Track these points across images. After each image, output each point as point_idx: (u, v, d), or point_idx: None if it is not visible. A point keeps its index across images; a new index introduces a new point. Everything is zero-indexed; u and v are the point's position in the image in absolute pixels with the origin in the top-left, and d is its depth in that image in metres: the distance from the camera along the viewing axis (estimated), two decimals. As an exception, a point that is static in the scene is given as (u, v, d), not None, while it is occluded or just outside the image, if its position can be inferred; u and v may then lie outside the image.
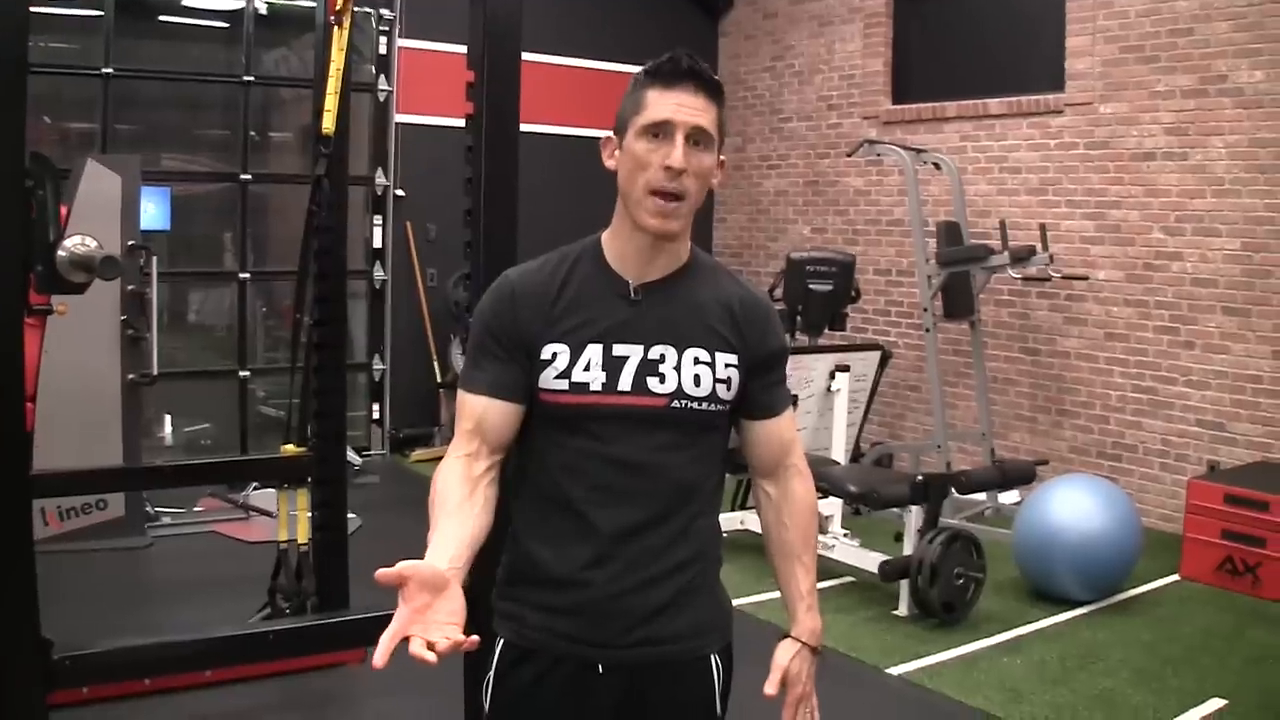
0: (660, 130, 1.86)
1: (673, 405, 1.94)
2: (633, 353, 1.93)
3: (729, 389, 1.98)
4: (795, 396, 6.36)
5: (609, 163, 1.96)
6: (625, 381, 1.92)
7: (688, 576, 2.00)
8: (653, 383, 1.93)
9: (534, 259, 2.05)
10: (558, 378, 1.92)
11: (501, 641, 2.01)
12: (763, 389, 2.05)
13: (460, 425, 1.96)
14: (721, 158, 1.95)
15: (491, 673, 2.01)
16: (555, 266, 1.99)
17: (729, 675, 2.10)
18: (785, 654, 2.06)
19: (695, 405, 1.95)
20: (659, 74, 1.88)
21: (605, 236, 2.00)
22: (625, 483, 1.93)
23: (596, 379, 1.91)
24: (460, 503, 1.85)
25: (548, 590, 1.97)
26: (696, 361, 1.95)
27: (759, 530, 6.20)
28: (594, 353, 1.92)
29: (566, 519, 1.95)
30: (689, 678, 2.03)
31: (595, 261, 1.98)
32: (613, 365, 1.92)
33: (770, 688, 2.03)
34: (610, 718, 1.98)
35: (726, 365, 1.97)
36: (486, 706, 2.04)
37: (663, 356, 1.94)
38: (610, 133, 1.96)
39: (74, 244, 3.95)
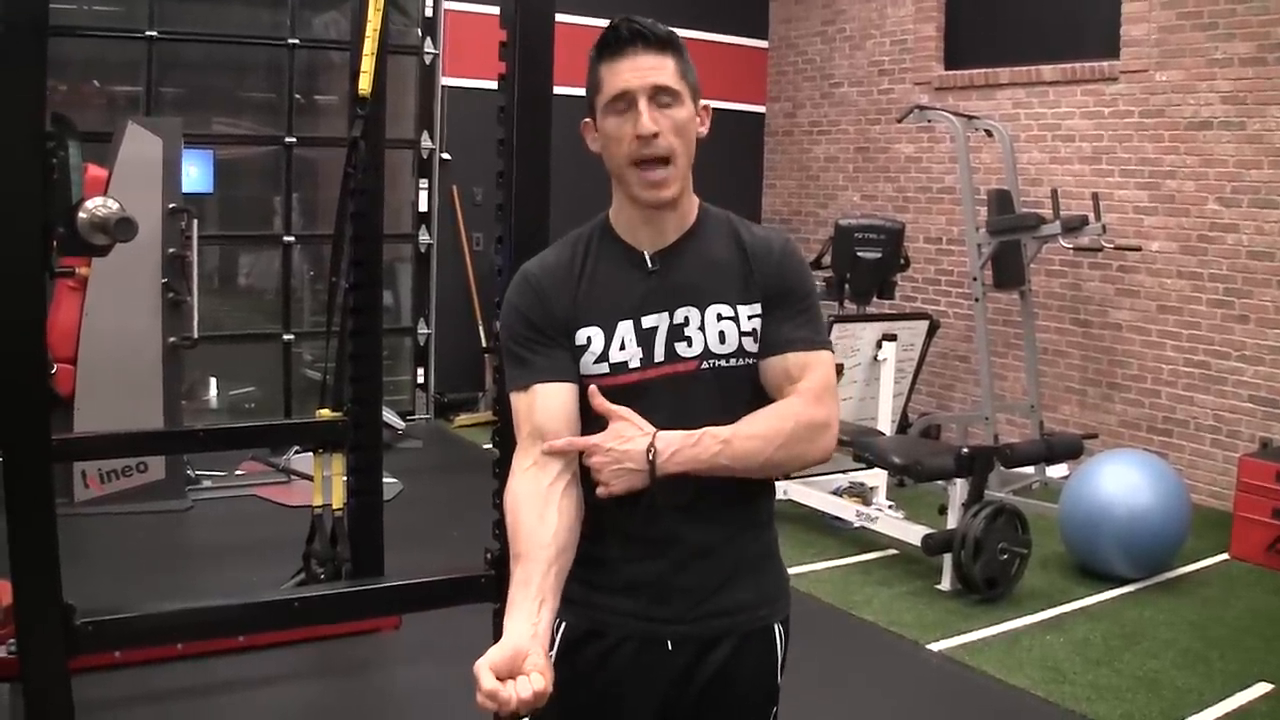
0: (623, 101, 1.84)
1: (702, 367, 1.90)
2: (660, 321, 1.90)
3: (755, 340, 1.94)
4: (840, 365, 6.28)
5: (593, 146, 1.94)
6: (659, 352, 1.90)
7: (748, 544, 1.98)
8: (681, 347, 1.90)
9: (548, 249, 2.02)
10: (596, 361, 1.90)
11: (563, 624, 1.96)
12: (775, 324, 1.92)
13: (519, 433, 1.90)
14: (703, 104, 1.92)
15: (553, 654, 1.94)
16: (571, 252, 1.97)
17: (787, 646, 2.06)
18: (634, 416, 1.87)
19: (723, 363, 1.91)
20: (604, 47, 1.86)
21: (612, 212, 1.98)
22: None
23: (634, 355, 1.89)
24: (531, 531, 1.79)
25: (609, 571, 1.94)
26: (720, 318, 1.91)
27: (801, 499, 6.05)
28: (626, 329, 1.90)
29: (624, 502, 1.87)
30: (754, 647, 2.00)
31: (607, 239, 1.97)
32: (645, 338, 1.90)
33: (595, 399, 1.86)
34: (674, 690, 1.95)
35: (750, 317, 1.93)
36: None
37: (687, 320, 1.91)
38: (586, 118, 1.94)
39: (94, 206, 3.95)
